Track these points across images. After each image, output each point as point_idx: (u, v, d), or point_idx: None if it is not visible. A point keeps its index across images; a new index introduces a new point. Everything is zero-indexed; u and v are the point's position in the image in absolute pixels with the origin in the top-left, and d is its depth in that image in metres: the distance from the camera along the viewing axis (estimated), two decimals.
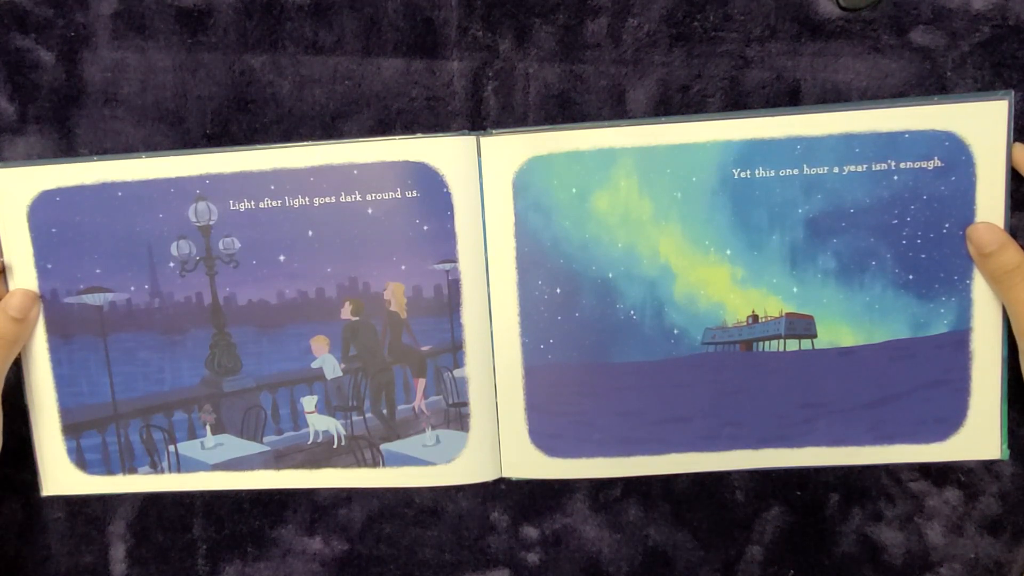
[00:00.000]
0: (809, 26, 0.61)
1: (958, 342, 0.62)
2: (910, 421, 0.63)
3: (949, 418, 0.63)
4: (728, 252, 0.62)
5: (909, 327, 0.62)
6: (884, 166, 0.60)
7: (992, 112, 0.59)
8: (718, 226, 0.62)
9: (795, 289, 0.62)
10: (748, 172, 0.61)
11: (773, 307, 0.62)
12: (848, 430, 0.63)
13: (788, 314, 0.62)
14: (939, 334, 0.62)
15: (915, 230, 0.61)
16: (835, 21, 0.61)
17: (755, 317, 0.63)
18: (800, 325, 0.63)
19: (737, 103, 0.62)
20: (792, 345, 0.63)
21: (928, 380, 0.63)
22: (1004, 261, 0.59)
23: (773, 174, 0.61)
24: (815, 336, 0.63)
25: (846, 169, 0.61)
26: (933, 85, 0.61)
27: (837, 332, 0.63)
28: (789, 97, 0.61)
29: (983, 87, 0.60)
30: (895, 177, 0.60)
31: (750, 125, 0.61)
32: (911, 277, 0.62)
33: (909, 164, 0.60)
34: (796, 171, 0.61)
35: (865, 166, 0.61)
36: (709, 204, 0.61)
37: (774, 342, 0.63)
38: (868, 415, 0.63)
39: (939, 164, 0.60)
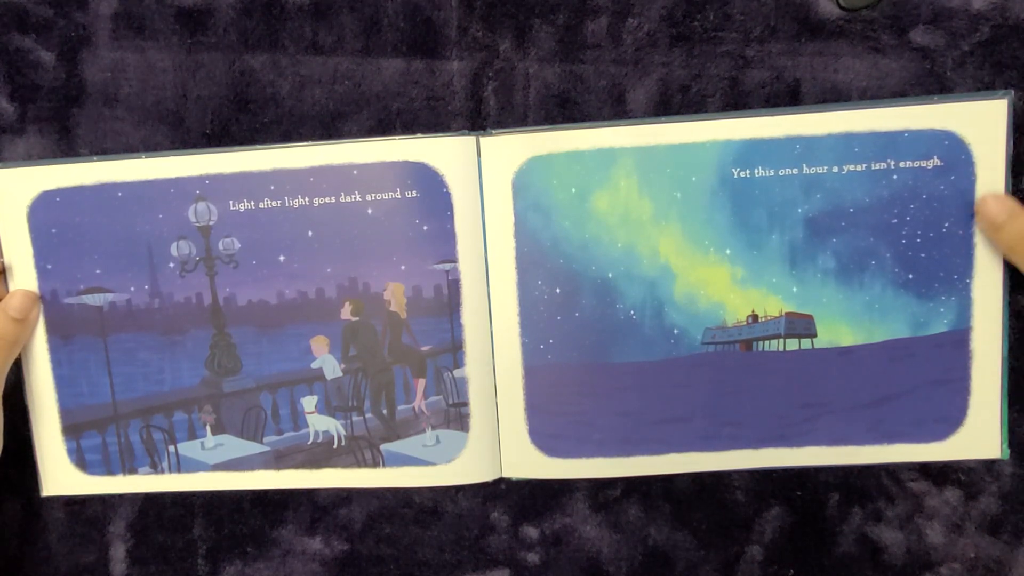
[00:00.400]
0: (809, 26, 0.61)
1: (958, 341, 0.62)
2: (910, 421, 0.63)
3: (949, 417, 0.63)
4: (728, 252, 0.62)
5: (909, 326, 0.62)
6: (883, 165, 0.60)
7: (992, 111, 0.59)
8: (718, 226, 0.62)
9: (795, 289, 0.62)
10: (748, 172, 0.61)
11: (773, 307, 0.62)
12: (848, 430, 0.63)
13: (788, 314, 0.62)
14: (939, 333, 0.62)
15: (915, 229, 0.61)
16: (835, 21, 0.61)
17: (755, 317, 0.63)
18: (800, 325, 0.62)
19: (737, 103, 0.62)
20: (792, 345, 0.63)
21: (928, 379, 0.63)
22: (1017, 230, 0.58)
23: (772, 174, 0.61)
24: (815, 336, 0.63)
25: (845, 168, 0.61)
26: (933, 85, 0.61)
27: (837, 331, 0.62)
28: (789, 97, 0.61)
29: (983, 87, 0.60)
30: (894, 176, 0.60)
31: (749, 125, 0.61)
32: (911, 276, 0.62)
33: (909, 163, 0.60)
34: (795, 170, 0.61)
35: (864, 165, 0.61)
36: (709, 204, 0.61)
37: (774, 342, 0.63)
38: (868, 415, 0.63)
39: (938, 163, 0.60)
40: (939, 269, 0.61)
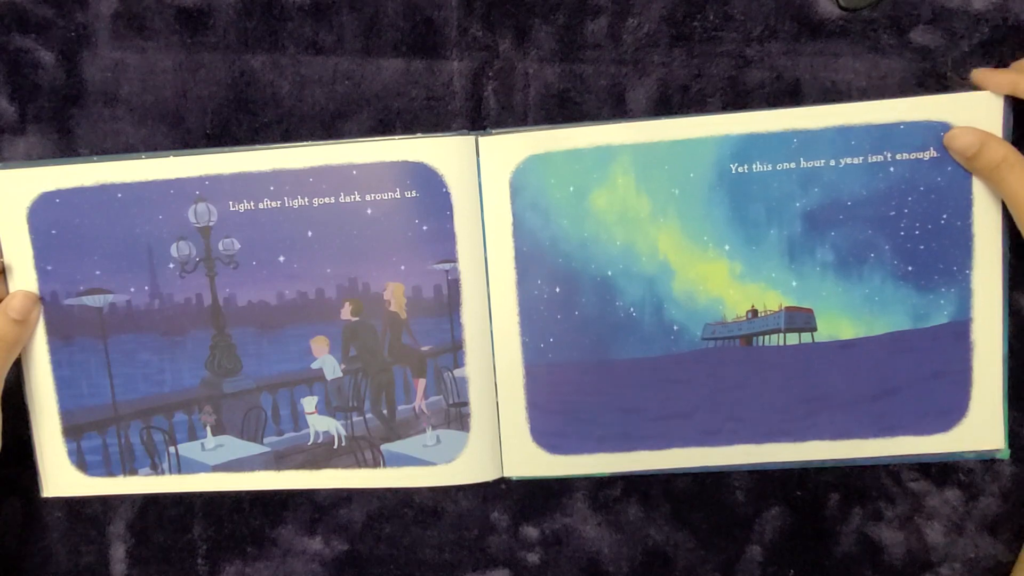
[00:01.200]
0: (809, 26, 0.61)
1: (958, 333, 0.62)
2: (912, 413, 0.63)
3: (951, 409, 0.63)
4: (727, 247, 0.62)
5: (909, 318, 0.62)
6: (880, 158, 0.60)
7: (987, 102, 0.59)
8: (716, 221, 0.62)
9: (794, 283, 0.62)
10: (745, 167, 0.61)
11: (772, 301, 0.62)
12: (850, 423, 0.63)
13: (787, 308, 0.62)
14: (939, 325, 0.62)
15: (913, 221, 0.61)
16: (835, 21, 0.61)
17: (754, 312, 0.62)
18: (800, 319, 0.62)
19: (737, 103, 0.62)
20: (792, 339, 0.63)
21: (929, 372, 0.62)
22: (989, 157, 0.58)
23: (770, 168, 0.61)
24: (815, 329, 0.62)
25: (843, 162, 0.60)
26: (933, 85, 0.61)
27: (837, 325, 0.62)
28: (789, 97, 0.62)
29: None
30: (891, 169, 0.60)
31: (746, 120, 0.61)
32: (910, 268, 0.61)
33: (905, 155, 0.60)
34: (793, 165, 0.61)
35: (861, 158, 0.60)
36: (707, 200, 0.61)
37: (774, 336, 0.63)
38: (869, 408, 0.63)
39: (935, 154, 0.60)
40: (938, 261, 0.61)
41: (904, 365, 0.63)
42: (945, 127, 0.59)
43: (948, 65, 0.61)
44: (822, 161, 0.61)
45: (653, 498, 0.66)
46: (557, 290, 0.63)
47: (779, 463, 0.64)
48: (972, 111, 0.59)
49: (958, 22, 0.60)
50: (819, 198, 0.61)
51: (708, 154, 0.61)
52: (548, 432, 0.64)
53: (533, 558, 0.67)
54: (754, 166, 0.61)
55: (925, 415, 0.63)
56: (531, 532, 0.67)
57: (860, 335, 0.62)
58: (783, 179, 0.61)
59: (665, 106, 0.62)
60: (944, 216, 0.61)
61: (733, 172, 0.61)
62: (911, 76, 0.61)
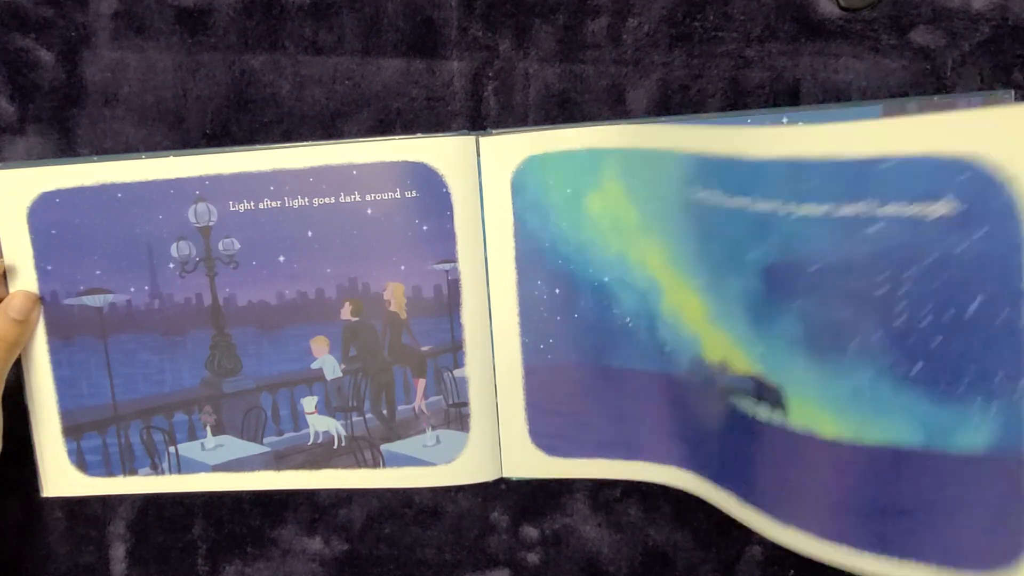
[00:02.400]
0: (809, 26, 0.61)
1: (1003, 468, 0.43)
2: (934, 544, 0.46)
3: (1002, 549, 0.44)
4: (699, 282, 0.53)
5: (921, 434, 0.45)
6: (854, 211, 0.43)
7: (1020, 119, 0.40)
8: (688, 249, 0.53)
9: (761, 349, 0.49)
10: (704, 192, 0.50)
11: (740, 361, 0.50)
12: (840, 528, 0.50)
13: (754, 376, 0.50)
14: (971, 454, 0.44)
15: (920, 304, 0.43)
16: (835, 21, 0.61)
17: (725, 365, 0.52)
18: (769, 394, 0.50)
19: (737, 103, 0.62)
20: (764, 413, 0.51)
21: (961, 504, 0.45)
22: None
23: (723, 202, 0.49)
24: (786, 412, 0.49)
25: (798, 210, 0.45)
26: (933, 85, 0.61)
27: (813, 417, 0.48)
28: (789, 97, 0.61)
29: (983, 87, 0.60)
30: (880, 225, 0.43)
31: (696, 135, 0.51)
32: (920, 367, 0.44)
33: (902, 206, 0.42)
34: (748, 200, 0.47)
35: (825, 207, 0.44)
36: (680, 222, 0.54)
37: (746, 401, 0.51)
38: (867, 520, 0.48)
39: (956, 207, 0.41)
40: (968, 361, 0.42)
41: (915, 489, 0.46)
42: (969, 167, 0.40)
43: (949, 66, 0.61)
44: (776, 202, 0.45)
45: (653, 498, 0.66)
46: (557, 291, 0.62)
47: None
48: (1005, 134, 0.39)
49: (958, 22, 0.60)
50: (776, 253, 0.46)
51: (674, 170, 0.53)
52: (547, 434, 0.64)
53: (533, 558, 0.67)
54: (711, 194, 0.49)
55: (956, 548, 0.45)
56: (531, 532, 0.67)
57: (847, 438, 0.47)
58: (736, 220, 0.48)
59: (665, 106, 0.62)
60: (977, 300, 0.42)
61: (693, 197, 0.51)
62: (911, 76, 0.61)
